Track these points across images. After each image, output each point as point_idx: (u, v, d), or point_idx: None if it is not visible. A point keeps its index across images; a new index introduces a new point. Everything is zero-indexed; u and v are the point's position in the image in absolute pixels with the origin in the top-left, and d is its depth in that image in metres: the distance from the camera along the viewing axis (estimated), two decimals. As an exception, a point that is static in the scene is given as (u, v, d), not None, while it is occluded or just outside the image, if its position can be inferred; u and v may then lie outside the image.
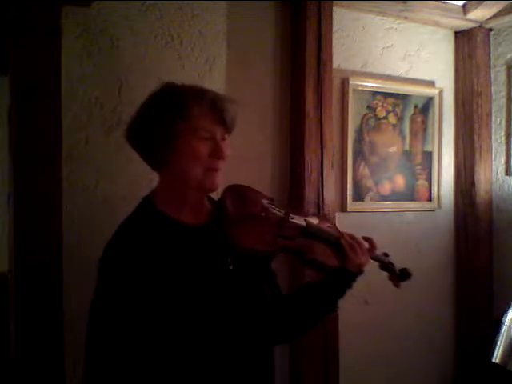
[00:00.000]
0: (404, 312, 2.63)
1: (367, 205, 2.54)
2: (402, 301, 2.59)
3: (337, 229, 1.41)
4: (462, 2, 2.61)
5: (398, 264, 1.52)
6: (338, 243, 1.34)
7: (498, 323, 2.29)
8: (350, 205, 2.47)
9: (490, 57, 2.79)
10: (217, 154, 1.17)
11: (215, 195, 1.31)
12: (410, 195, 2.68)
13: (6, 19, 1.71)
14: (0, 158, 2.21)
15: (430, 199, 2.74)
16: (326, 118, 2.30)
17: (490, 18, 2.65)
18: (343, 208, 2.46)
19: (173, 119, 1.15)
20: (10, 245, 1.71)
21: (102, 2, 1.95)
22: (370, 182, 2.55)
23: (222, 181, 1.23)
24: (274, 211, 1.31)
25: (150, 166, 1.24)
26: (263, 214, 1.27)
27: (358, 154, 2.52)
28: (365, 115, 2.53)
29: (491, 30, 2.78)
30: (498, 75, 2.77)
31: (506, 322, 2.26)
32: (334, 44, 2.35)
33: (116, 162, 2.00)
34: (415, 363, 2.69)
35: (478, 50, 2.75)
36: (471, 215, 2.76)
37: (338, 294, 1.34)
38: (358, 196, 2.52)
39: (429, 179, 2.73)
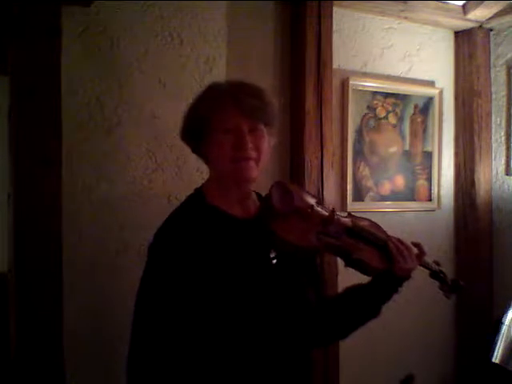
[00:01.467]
0: (404, 312, 2.63)
1: (367, 205, 2.54)
2: (402, 301, 2.59)
3: (384, 232, 1.39)
4: (461, 2, 2.61)
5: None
6: (385, 246, 1.32)
7: (498, 323, 2.29)
8: (350, 205, 2.47)
9: (489, 57, 2.79)
10: (238, 147, 1.18)
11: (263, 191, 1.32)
12: (410, 195, 2.68)
13: (7, 19, 1.71)
14: (0, 158, 2.20)
15: (430, 199, 2.74)
16: (325, 118, 2.30)
17: (490, 18, 2.66)
18: (343, 208, 2.45)
19: (202, 114, 1.21)
20: (10, 245, 1.71)
21: (102, 1, 1.94)
22: (370, 182, 2.55)
23: (258, 171, 1.22)
24: (320, 209, 1.32)
25: (202, 159, 1.30)
26: (309, 211, 1.27)
27: (358, 154, 2.52)
28: (365, 115, 2.53)
29: (491, 30, 2.78)
30: (498, 75, 2.77)
31: (506, 322, 2.26)
32: (334, 44, 2.35)
33: (116, 162, 2.00)
34: (415, 363, 2.69)
35: (478, 50, 2.75)
36: (471, 215, 2.76)
37: (383, 298, 1.33)
38: (358, 196, 2.51)
39: (429, 179, 2.73)
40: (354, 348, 2.46)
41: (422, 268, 1.40)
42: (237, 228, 1.22)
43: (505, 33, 2.74)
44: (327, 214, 1.30)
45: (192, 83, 2.13)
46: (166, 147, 2.08)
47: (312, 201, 1.33)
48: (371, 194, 2.56)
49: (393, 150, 2.62)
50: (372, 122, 2.55)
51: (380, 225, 1.42)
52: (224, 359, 1.15)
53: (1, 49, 1.91)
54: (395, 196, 2.62)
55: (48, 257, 1.66)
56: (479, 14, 2.62)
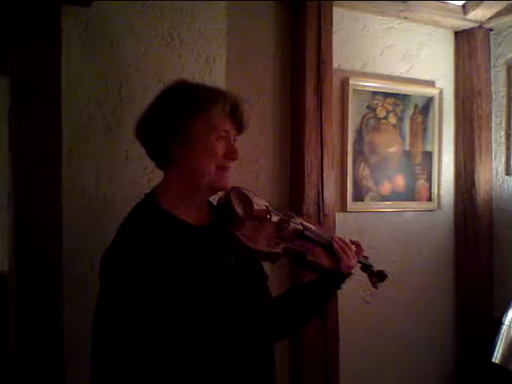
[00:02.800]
0: (404, 312, 2.63)
1: (367, 205, 2.54)
2: (402, 301, 2.59)
3: (327, 231, 1.45)
4: (461, 2, 2.61)
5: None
6: (330, 246, 1.37)
7: (498, 323, 2.29)
8: (350, 205, 2.47)
9: (489, 57, 2.79)
10: (231, 153, 1.18)
11: (212, 198, 1.31)
12: (410, 195, 2.68)
13: (6, 19, 1.71)
14: (0, 158, 2.20)
15: (429, 199, 2.74)
16: (325, 118, 2.30)
17: (490, 18, 2.65)
18: (343, 208, 2.46)
19: (191, 116, 1.15)
20: (10, 245, 1.71)
21: (102, 1, 1.94)
22: (369, 182, 2.55)
23: (231, 181, 1.23)
24: (274, 213, 1.32)
25: (157, 162, 1.23)
26: (268, 216, 1.28)
27: (358, 154, 2.52)
28: (365, 115, 2.53)
29: (491, 30, 2.78)
30: (498, 75, 2.77)
31: (506, 322, 2.26)
32: (334, 44, 2.35)
33: (116, 161, 2.00)
34: (415, 363, 2.69)
35: (478, 50, 2.75)
36: (471, 215, 2.76)
37: (327, 295, 1.39)
38: (358, 196, 2.51)
39: (429, 179, 2.73)
40: (354, 348, 2.46)
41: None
42: (192, 235, 1.18)
43: (505, 33, 2.74)
44: (280, 217, 1.32)
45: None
46: (166, 147, 2.08)
47: (266, 205, 1.32)
48: (371, 193, 2.56)
49: (393, 150, 2.62)
50: (372, 122, 2.55)
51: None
52: (190, 364, 1.12)
53: (1, 49, 1.91)
54: (395, 196, 2.62)
55: (48, 257, 1.66)
56: (479, 13, 2.62)
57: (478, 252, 2.75)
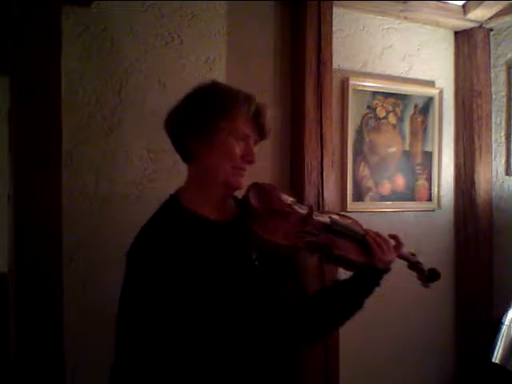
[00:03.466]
0: (404, 312, 2.63)
1: (367, 205, 2.54)
2: (401, 301, 2.59)
3: (361, 226, 1.40)
4: (461, 2, 2.61)
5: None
6: (363, 240, 1.34)
7: (498, 323, 2.29)
8: (350, 205, 2.47)
9: (489, 57, 2.79)
10: (248, 157, 1.22)
11: (239, 194, 1.33)
12: (410, 195, 2.68)
13: (7, 19, 1.71)
14: (0, 158, 2.20)
15: (430, 199, 2.74)
16: (325, 118, 2.30)
17: (490, 18, 2.66)
18: (343, 208, 2.45)
19: (216, 116, 1.19)
20: (10, 245, 1.71)
21: (102, 2, 1.95)
22: (370, 182, 2.55)
23: (246, 181, 1.27)
24: (298, 208, 1.32)
25: (181, 156, 1.28)
26: (287, 210, 1.28)
27: (358, 154, 2.52)
28: (365, 115, 2.53)
29: (491, 30, 2.78)
30: (498, 75, 2.77)
31: (506, 322, 2.26)
32: (334, 44, 2.35)
33: (116, 161, 2.00)
34: (415, 363, 2.69)
35: (478, 50, 2.75)
36: (471, 215, 2.76)
37: (365, 292, 1.34)
38: (358, 196, 2.51)
39: (429, 179, 2.73)
40: (354, 348, 2.46)
41: (400, 260, 1.42)
42: (215, 231, 1.21)
43: (505, 33, 2.74)
44: (306, 212, 1.31)
45: (192, 83, 2.12)
46: (166, 147, 2.08)
47: (290, 200, 1.33)
48: (371, 194, 2.56)
49: (393, 149, 2.62)
50: (372, 122, 2.55)
51: (358, 220, 1.43)
52: (209, 361, 1.14)
53: (1, 49, 1.91)
54: (395, 196, 2.62)
55: (48, 257, 1.66)
56: (479, 13, 2.62)
57: (478, 252, 2.75)
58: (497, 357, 2.23)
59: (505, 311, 2.30)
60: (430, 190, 2.74)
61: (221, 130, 1.19)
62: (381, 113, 2.58)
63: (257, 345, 1.19)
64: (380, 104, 2.57)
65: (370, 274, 1.32)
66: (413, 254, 1.48)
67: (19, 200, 1.65)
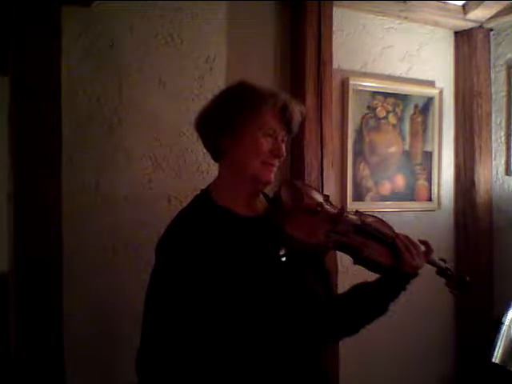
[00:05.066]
0: (404, 312, 2.62)
1: (367, 205, 2.54)
2: (401, 300, 2.59)
3: (392, 229, 1.39)
4: (461, 2, 2.61)
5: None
6: (393, 243, 1.32)
7: (498, 323, 2.29)
8: (350, 205, 2.47)
9: (489, 57, 2.79)
10: (276, 151, 1.23)
11: (269, 191, 1.35)
12: (410, 195, 2.68)
13: (7, 19, 1.71)
14: (0, 158, 2.20)
15: (430, 199, 2.74)
16: (325, 118, 2.30)
17: (490, 18, 2.66)
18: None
19: (242, 111, 1.21)
20: (10, 245, 1.71)
21: (102, 2, 1.95)
22: (370, 182, 2.55)
23: (275, 176, 1.28)
24: (329, 207, 1.32)
25: (211, 154, 1.31)
26: (318, 209, 1.28)
27: (358, 154, 2.52)
28: (365, 115, 2.53)
29: (491, 30, 2.78)
30: (498, 75, 2.77)
31: (506, 322, 2.26)
32: (333, 44, 2.35)
33: (116, 161, 2.00)
34: (415, 363, 2.69)
35: (478, 50, 2.75)
36: (471, 215, 2.76)
37: (391, 295, 1.34)
38: (358, 196, 2.51)
39: (429, 179, 2.73)
40: (354, 348, 2.46)
41: (429, 265, 1.41)
42: (245, 226, 1.23)
43: (505, 33, 2.74)
44: (336, 211, 1.31)
45: (192, 83, 2.14)
46: (166, 147, 2.08)
47: (321, 198, 1.33)
48: (371, 194, 2.56)
49: (393, 149, 2.62)
50: (372, 122, 2.55)
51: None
52: (235, 357, 1.16)
53: (1, 49, 1.91)
54: (395, 196, 2.62)
55: (48, 257, 1.66)
56: (479, 13, 2.62)
57: (478, 252, 2.75)
58: (497, 357, 2.23)
59: (505, 311, 2.30)
60: (430, 190, 2.74)
61: (248, 125, 1.21)
62: (381, 113, 2.58)
63: (282, 341, 1.20)
64: (380, 104, 2.57)
65: (397, 277, 1.32)
66: (443, 260, 1.47)
67: (19, 200, 1.65)
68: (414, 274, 1.33)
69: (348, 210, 1.41)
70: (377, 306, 1.35)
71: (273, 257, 1.23)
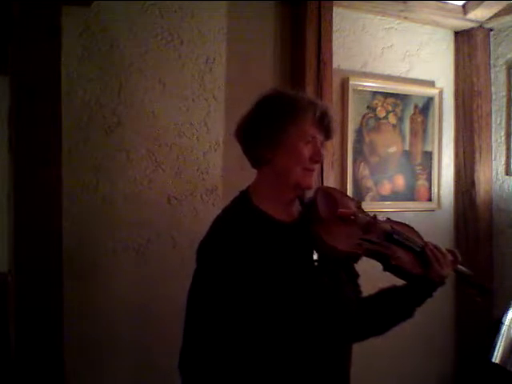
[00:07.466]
0: (404, 312, 2.63)
1: (367, 205, 2.53)
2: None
3: (421, 236, 1.43)
4: (461, 2, 2.61)
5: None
6: (422, 252, 1.35)
7: (498, 323, 2.29)
8: (350, 205, 2.47)
9: (489, 57, 2.79)
10: (316, 157, 1.26)
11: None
12: (410, 195, 2.68)
13: (7, 19, 1.71)
14: (0, 158, 2.20)
15: (430, 199, 2.74)
16: (326, 118, 2.30)
17: (490, 18, 2.66)
18: (343, 208, 2.45)
19: (283, 123, 1.24)
20: (10, 245, 1.71)
21: (102, 2, 1.95)
22: (370, 182, 2.55)
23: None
24: (362, 215, 1.35)
25: (251, 162, 1.32)
26: (352, 217, 1.31)
27: (358, 154, 2.52)
28: (365, 115, 2.53)
29: (491, 30, 2.78)
30: (498, 75, 2.77)
31: (506, 322, 2.26)
32: (334, 44, 2.35)
33: (116, 162, 2.00)
34: (415, 363, 2.69)
35: (478, 50, 2.75)
36: (471, 215, 2.76)
37: (417, 302, 1.37)
38: (358, 196, 2.51)
39: (429, 179, 2.73)
40: (353, 348, 2.46)
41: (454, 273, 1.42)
42: (281, 231, 1.26)
43: (505, 33, 2.74)
44: (368, 219, 1.34)
45: (192, 83, 2.14)
46: (166, 147, 2.08)
47: (353, 206, 1.36)
48: (371, 194, 2.56)
49: (393, 150, 2.62)
50: (372, 122, 2.55)
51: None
52: (272, 359, 1.19)
53: (1, 49, 1.92)
54: (395, 196, 2.62)
55: (48, 257, 1.66)
56: (479, 14, 2.62)
57: (478, 252, 2.75)
58: (497, 357, 2.23)
59: (505, 311, 2.30)
60: (430, 189, 2.74)
61: (290, 135, 1.24)
62: (381, 113, 2.58)
63: (317, 343, 1.23)
64: (380, 104, 2.57)
65: (423, 285, 1.35)
66: (468, 269, 1.48)
67: (19, 200, 1.65)
68: (442, 283, 1.36)
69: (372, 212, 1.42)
70: (403, 311, 1.39)
71: (306, 261, 1.27)
